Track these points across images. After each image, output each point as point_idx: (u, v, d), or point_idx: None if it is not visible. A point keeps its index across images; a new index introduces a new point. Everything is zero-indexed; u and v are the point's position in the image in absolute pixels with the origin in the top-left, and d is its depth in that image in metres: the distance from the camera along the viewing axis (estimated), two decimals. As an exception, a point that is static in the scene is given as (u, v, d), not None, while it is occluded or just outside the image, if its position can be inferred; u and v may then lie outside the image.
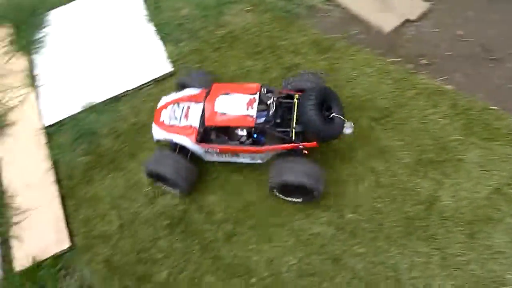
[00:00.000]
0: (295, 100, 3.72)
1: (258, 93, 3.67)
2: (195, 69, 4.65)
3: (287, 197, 3.83)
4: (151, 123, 4.09)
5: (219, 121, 3.62)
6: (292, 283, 3.57)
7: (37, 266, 3.80)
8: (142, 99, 4.76)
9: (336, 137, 3.63)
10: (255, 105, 3.60)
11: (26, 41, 5.37)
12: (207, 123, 3.67)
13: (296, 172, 3.53)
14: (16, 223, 4.05)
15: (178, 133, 3.82)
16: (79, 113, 4.73)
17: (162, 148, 4.01)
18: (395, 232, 3.68)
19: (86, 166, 4.37)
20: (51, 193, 4.20)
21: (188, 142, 3.79)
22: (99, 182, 4.26)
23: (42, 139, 4.55)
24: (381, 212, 3.78)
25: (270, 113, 3.66)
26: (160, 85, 4.82)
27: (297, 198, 3.81)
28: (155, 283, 3.69)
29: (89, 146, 4.49)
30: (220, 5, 5.29)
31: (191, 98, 3.95)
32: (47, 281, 3.76)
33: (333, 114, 3.57)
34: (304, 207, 3.86)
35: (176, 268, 3.74)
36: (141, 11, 5.46)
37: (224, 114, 3.61)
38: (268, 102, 3.70)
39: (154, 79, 4.82)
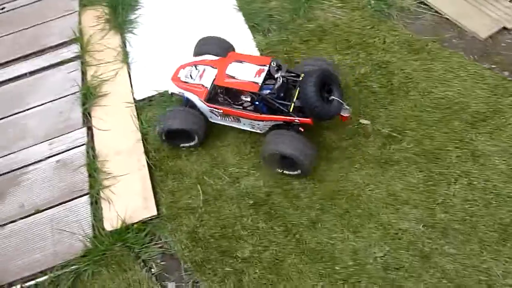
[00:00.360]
0: (300, 78, 3.91)
1: (268, 65, 3.92)
2: (214, 37, 4.73)
3: (279, 168, 4.01)
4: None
5: (227, 82, 3.91)
6: (378, 275, 3.51)
7: (126, 228, 3.94)
8: (229, 83, 4.88)
9: (331, 118, 3.80)
10: (263, 74, 3.87)
11: (120, 20, 5.64)
12: (216, 82, 4.02)
13: (286, 143, 3.74)
14: (106, 187, 4.22)
15: (189, 90, 4.18)
16: (167, 91, 4.88)
17: (172, 107, 4.41)
18: (489, 237, 3.56)
19: (173, 141, 4.50)
20: (140, 162, 4.36)
21: (197, 99, 4.12)
22: (186, 157, 4.38)
23: (133, 112, 4.74)
24: (474, 215, 3.67)
25: (276, 86, 3.87)
26: (247, 71, 4.92)
27: (287, 170, 3.99)
28: (238, 258, 3.73)
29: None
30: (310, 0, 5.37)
31: (209, 63, 4.30)
32: (134, 244, 3.88)
33: (332, 97, 3.73)
34: (393, 202, 3.82)
35: (259, 246, 3.77)
36: (231, 0, 5.62)
37: (233, 77, 3.92)
38: (276, 76, 3.91)
39: (242, 65, 4.93)
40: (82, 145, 4.55)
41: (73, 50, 5.45)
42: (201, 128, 4.19)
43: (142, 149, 4.44)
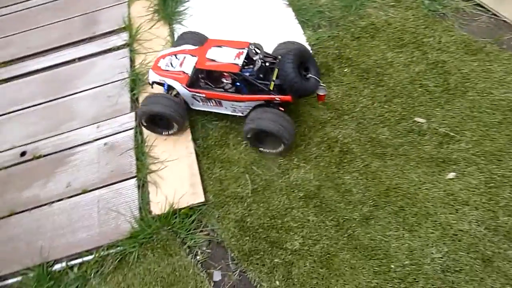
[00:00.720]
0: (278, 59, 4.03)
1: (246, 48, 4.02)
2: (191, 31, 4.88)
3: (259, 146, 4.14)
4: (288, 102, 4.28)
5: (208, 65, 4.02)
6: (436, 276, 3.35)
7: (173, 213, 3.88)
8: (278, 77, 4.82)
9: (309, 94, 3.96)
10: (242, 56, 3.97)
11: (169, 11, 5.68)
12: (197, 66, 4.10)
13: (267, 119, 3.84)
14: (154, 171, 4.18)
15: (171, 77, 4.22)
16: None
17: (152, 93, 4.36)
18: (557, 243, 3.37)
19: (221, 130, 4.46)
20: (188, 149, 4.31)
21: (178, 85, 4.19)
22: (234, 146, 4.32)
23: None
24: (540, 220, 3.49)
25: (255, 68, 3.98)
26: (297, 65, 4.87)
27: (268, 148, 4.12)
28: (288, 250, 3.62)
29: (224, 112, 4.60)
30: (362, -2, 5.31)
31: (188, 52, 4.35)
32: (181, 229, 3.82)
33: (310, 74, 3.92)
34: (452, 203, 3.66)
35: (310, 239, 3.65)
36: (281, -4, 5.61)
37: (214, 60, 4.01)
38: (255, 58, 4.02)
39: (291, 59, 4.87)
40: (130, 129, 4.54)
41: (122, 38, 5.50)
42: (182, 116, 4.21)
43: (190, 136, 4.40)
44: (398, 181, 3.85)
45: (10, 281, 3.75)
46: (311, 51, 4.32)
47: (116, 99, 4.85)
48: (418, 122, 4.17)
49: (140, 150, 4.35)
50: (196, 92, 4.16)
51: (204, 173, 4.18)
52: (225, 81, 4.08)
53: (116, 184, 4.14)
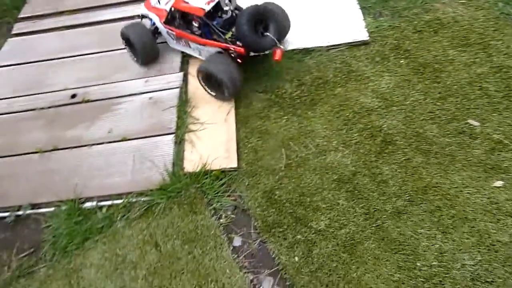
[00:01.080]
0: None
1: None
2: None
3: (209, 89, 4.43)
4: (332, 81, 4.49)
5: (180, 6, 4.37)
6: (464, 283, 3.16)
7: (204, 173, 3.91)
8: (329, 59, 4.72)
9: (263, 50, 4.11)
10: (212, 4, 4.23)
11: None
12: (172, 5, 4.47)
13: (216, 63, 4.11)
14: (192, 131, 4.23)
15: (155, 12, 4.68)
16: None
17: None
18: None
19: (264, 102, 4.43)
20: (229, 115, 4.32)
21: (158, 20, 4.65)
22: (274, 120, 4.28)
23: (229, 67, 4.71)
24: None
25: (224, 18, 4.30)
26: (351, 50, 4.74)
27: (215, 92, 4.40)
28: (312, 229, 3.55)
29: (270, 85, 4.56)
30: (431, -9, 5.07)
31: None
32: (209, 190, 3.84)
33: (267, 33, 4.04)
34: (494, 211, 3.44)
35: (336, 222, 3.56)
36: (346, -20, 5.46)
37: (187, 3, 4.31)
38: (225, 9, 4.32)
39: (347, 43, 4.76)
40: (176, 87, 4.61)
41: (182, 1, 5.57)
42: (146, 50, 4.72)
43: (233, 104, 4.41)
44: (439, 180, 3.66)
45: (43, 210, 3.94)
46: (286, 13, 4.46)
47: (168, 58, 4.94)
48: (471, 125, 3.95)
49: (183, 109, 4.41)
50: (169, 29, 4.53)
51: (241, 141, 4.18)
52: (194, 24, 4.38)
53: (155, 137, 4.22)
